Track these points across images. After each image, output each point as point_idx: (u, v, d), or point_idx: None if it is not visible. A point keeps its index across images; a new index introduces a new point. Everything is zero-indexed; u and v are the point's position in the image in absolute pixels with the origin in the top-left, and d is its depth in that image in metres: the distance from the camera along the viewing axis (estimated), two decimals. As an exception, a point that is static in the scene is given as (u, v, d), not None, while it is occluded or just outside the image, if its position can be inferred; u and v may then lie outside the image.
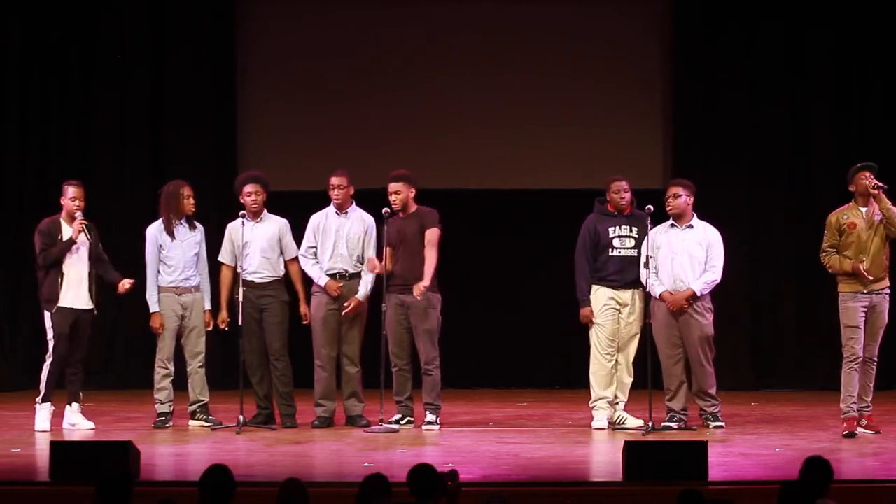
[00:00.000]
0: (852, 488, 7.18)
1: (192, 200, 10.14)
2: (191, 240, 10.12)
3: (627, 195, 10.00)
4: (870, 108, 12.78)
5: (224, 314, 10.10)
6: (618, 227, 9.97)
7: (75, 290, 9.84)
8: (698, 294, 9.79)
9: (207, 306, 10.17)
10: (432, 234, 9.90)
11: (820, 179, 12.78)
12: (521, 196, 12.82)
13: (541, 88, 12.85)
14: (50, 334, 9.86)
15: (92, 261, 9.92)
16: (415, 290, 9.77)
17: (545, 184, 12.69)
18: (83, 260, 9.88)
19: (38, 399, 9.85)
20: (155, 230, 10.15)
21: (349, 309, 10.00)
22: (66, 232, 9.84)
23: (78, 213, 9.85)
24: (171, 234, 10.07)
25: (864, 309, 9.49)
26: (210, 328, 10.16)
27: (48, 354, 9.88)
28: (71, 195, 9.87)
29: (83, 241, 9.88)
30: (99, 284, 10.02)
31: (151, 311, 10.10)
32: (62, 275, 9.82)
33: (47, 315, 9.86)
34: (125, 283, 9.97)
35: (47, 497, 7.30)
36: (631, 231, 9.98)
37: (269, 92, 13.01)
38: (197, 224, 10.21)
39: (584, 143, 12.82)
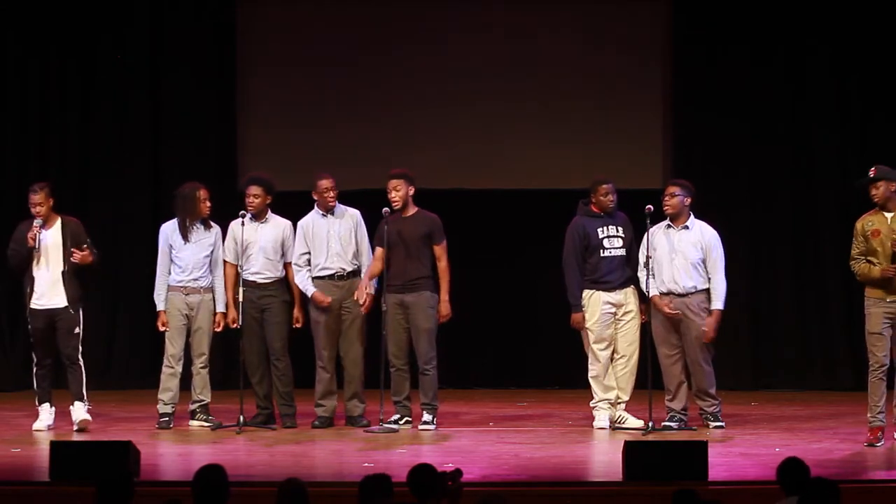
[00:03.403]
0: (852, 488, 7.18)
1: (208, 203, 10.15)
2: (204, 241, 10.12)
3: (614, 197, 10.00)
4: (871, 110, 12.75)
5: (233, 313, 10.07)
6: (605, 228, 9.96)
7: (48, 291, 9.86)
8: (722, 308, 9.82)
9: (220, 308, 10.15)
10: (442, 250, 10.00)
11: (820, 180, 12.77)
12: (521, 196, 12.80)
13: (541, 89, 12.83)
14: (31, 337, 9.99)
15: (67, 260, 9.87)
16: (443, 310, 9.91)
17: (545, 184, 12.66)
18: (55, 260, 9.86)
19: (36, 402, 9.94)
20: (168, 230, 10.18)
21: (366, 305, 9.98)
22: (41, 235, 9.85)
23: (38, 220, 9.82)
24: (184, 236, 10.08)
25: (889, 316, 9.03)
26: (220, 329, 10.15)
27: (33, 356, 9.99)
28: (30, 202, 9.88)
29: (55, 243, 9.85)
30: (78, 282, 9.96)
31: (157, 309, 10.13)
32: (32, 278, 9.87)
33: (28, 319, 9.98)
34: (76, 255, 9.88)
35: (47, 497, 7.31)
36: (618, 231, 9.98)
37: (268, 92, 13.00)
38: (213, 224, 10.20)
39: (585, 142, 12.80)
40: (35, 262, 9.85)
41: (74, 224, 10.01)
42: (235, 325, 10.08)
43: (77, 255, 9.85)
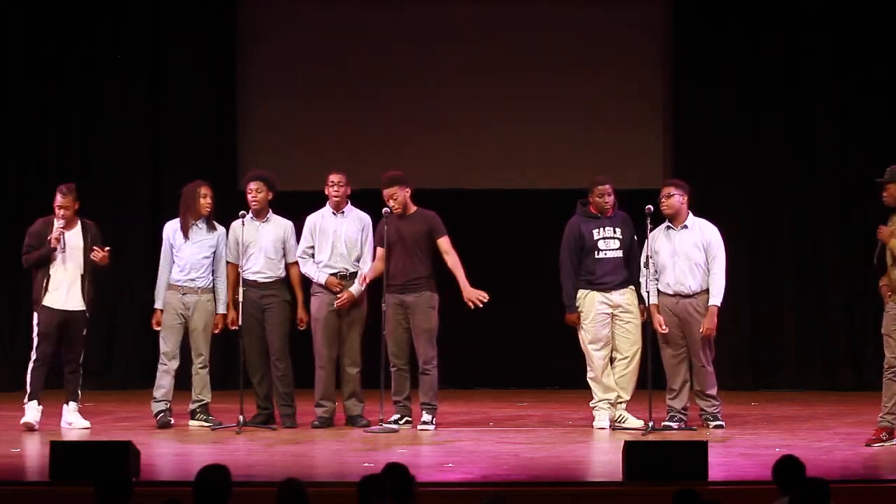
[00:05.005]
0: (852, 488, 7.18)
1: (208, 200, 10.13)
2: (206, 242, 10.12)
3: (611, 199, 9.97)
4: (870, 110, 12.76)
5: (232, 314, 10.07)
6: (602, 230, 9.94)
7: (65, 291, 9.88)
8: (720, 305, 9.79)
9: (221, 310, 10.13)
10: (447, 244, 9.99)
11: (820, 179, 12.78)
12: (521, 196, 12.81)
13: (541, 88, 12.84)
14: (35, 332, 9.93)
15: (87, 262, 9.92)
16: (472, 294, 9.85)
17: (545, 184, 12.67)
18: (75, 261, 9.91)
19: (25, 398, 9.92)
20: (170, 229, 10.18)
21: (341, 301, 9.99)
22: None
23: (60, 221, 9.84)
24: (185, 234, 10.08)
25: None
26: (219, 331, 10.15)
27: (32, 353, 9.94)
28: (57, 202, 9.88)
29: (77, 245, 9.89)
30: (95, 286, 10.02)
31: (154, 307, 10.13)
32: (48, 276, 9.86)
33: (34, 314, 9.93)
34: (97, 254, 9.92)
35: (47, 497, 7.30)
36: (615, 232, 9.95)
37: (269, 92, 13.01)
38: (218, 226, 10.19)
39: (585, 143, 12.81)
40: (53, 262, 9.86)
41: (94, 227, 10.06)
42: (235, 326, 10.08)
43: (98, 255, 9.87)
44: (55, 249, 9.84)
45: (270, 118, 13.01)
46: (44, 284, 9.87)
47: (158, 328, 10.13)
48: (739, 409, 10.93)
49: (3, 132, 12.96)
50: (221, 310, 10.13)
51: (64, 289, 9.88)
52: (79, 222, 9.98)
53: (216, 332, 10.15)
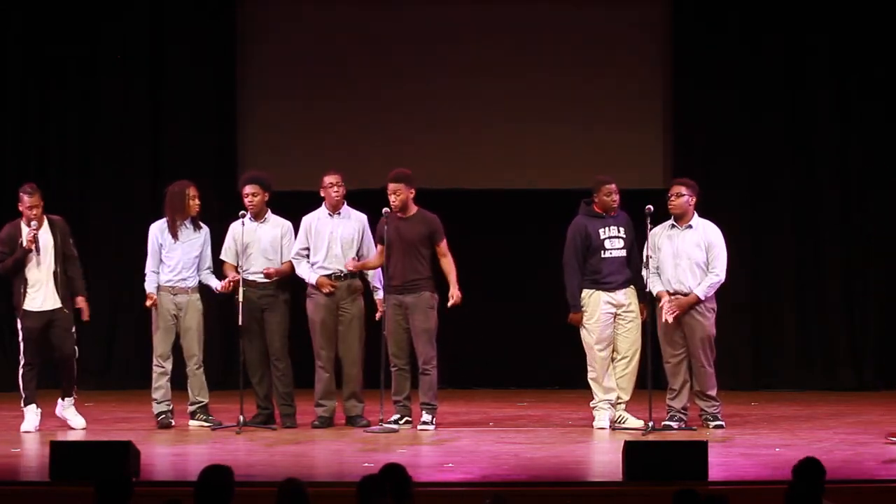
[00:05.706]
0: (852, 488, 7.18)
1: (197, 201, 10.13)
2: (194, 241, 10.12)
3: (617, 197, 9.98)
4: (870, 110, 12.76)
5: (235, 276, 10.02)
6: (607, 229, 9.94)
7: (43, 293, 9.86)
8: (702, 298, 9.77)
9: (215, 284, 10.09)
10: (445, 248, 9.99)
11: (820, 179, 12.78)
12: (521, 196, 12.81)
13: (541, 88, 12.84)
14: (20, 336, 9.93)
15: (58, 259, 9.89)
16: (454, 299, 9.88)
17: (545, 184, 12.68)
18: (47, 261, 9.86)
19: (22, 403, 9.91)
20: (157, 229, 10.16)
21: (380, 315, 10.03)
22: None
23: (33, 223, 9.81)
24: (174, 235, 10.07)
25: None
26: (231, 285, 9.99)
27: (20, 357, 9.94)
28: (27, 204, 9.83)
29: (46, 243, 9.85)
30: (67, 283, 9.95)
31: (147, 291, 10.10)
32: (25, 280, 9.84)
33: (17, 320, 9.94)
34: (81, 305, 9.94)
35: (47, 497, 7.30)
36: (619, 232, 9.96)
37: (268, 92, 13.01)
38: (202, 225, 10.20)
39: (585, 143, 12.81)
40: (28, 265, 9.84)
41: (61, 223, 10.02)
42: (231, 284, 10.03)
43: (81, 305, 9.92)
44: (30, 251, 9.82)
45: (270, 118, 13.01)
46: (22, 289, 9.86)
47: (151, 303, 10.03)
48: (739, 409, 10.93)
49: (3, 132, 12.96)
50: (215, 285, 10.08)
51: (42, 290, 9.87)
52: (45, 220, 9.94)
53: (231, 285, 10.05)
